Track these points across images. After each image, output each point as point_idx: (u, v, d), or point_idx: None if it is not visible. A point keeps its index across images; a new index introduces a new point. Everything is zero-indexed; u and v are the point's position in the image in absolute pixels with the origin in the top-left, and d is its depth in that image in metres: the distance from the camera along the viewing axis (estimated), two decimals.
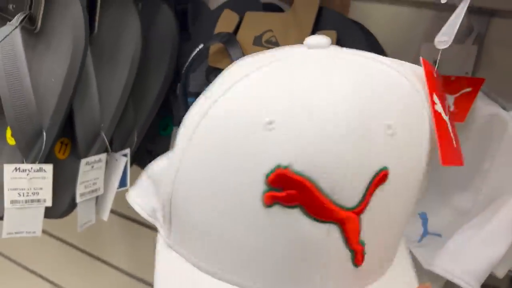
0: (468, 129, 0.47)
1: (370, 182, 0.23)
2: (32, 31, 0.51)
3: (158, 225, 0.30)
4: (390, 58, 0.29)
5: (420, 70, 0.28)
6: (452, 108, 0.46)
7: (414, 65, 0.29)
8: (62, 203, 0.58)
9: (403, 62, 0.29)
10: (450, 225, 0.48)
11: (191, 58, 0.55)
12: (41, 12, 0.50)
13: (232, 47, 0.52)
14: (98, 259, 0.90)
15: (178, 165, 0.26)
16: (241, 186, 0.23)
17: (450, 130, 0.29)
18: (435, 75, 0.29)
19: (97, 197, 0.61)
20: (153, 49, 0.61)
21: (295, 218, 0.23)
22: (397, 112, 0.24)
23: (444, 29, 0.30)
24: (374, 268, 0.26)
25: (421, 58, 0.29)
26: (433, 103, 0.27)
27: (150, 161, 0.77)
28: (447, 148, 0.27)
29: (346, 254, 0.24)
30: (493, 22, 0.54)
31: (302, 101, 0.23)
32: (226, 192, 0.24)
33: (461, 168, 0.49)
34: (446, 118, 0.29)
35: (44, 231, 0.94)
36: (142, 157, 0.72)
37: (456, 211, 0.49)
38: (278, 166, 0.22)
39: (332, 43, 0.50)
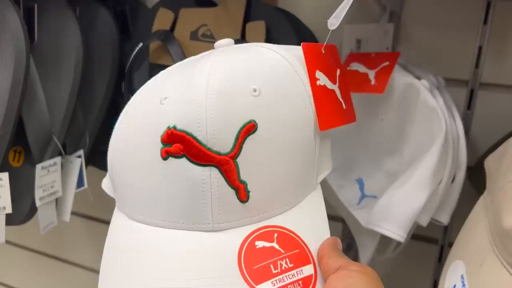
0: (390, 99, 0.53)
1: (239, 133, 0.30)
2: None
3: (114, 196, 0.38)
4: (283, 46, 0.35)
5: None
6: (373, 82, 0.51)
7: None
8: (22, 209, 0.59)
9: (294, 47, 0.35)
10: (383, 187, 0.53)
11: (132, 57, 0.58)
12: None
13: (170, 44, 0.56)
14: (65, 261, 0.92)
15: (112, 142, 0.36)
16: (148, 147, 0.32)
17: (340, 97, 0.35)
18: (320, 55, 0.34)
19: (56, 200, 0.63)
20: (95, 52, 0.63)
21: (183, 164, 0.31)
22: (265, 78, 0.32)
23: (335, 13, 0.34)
24: (264, 205, 0.32)
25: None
26: (315, 79, 0.32)
27: (105, 161, 0.79)
28: (328, 115, 0.33)
29: (230, 191, 0.31)
30: (407, 0, 0.60)
31: (187, 80, 0.32)
32: (139, 154, 0.33)
33: (389, 135, 0.54)
34: (334, 87, 0.34)
35: (7, 242, 0.95)
36: (98, 158, 0.75)
37: (387, 174, 0.55)
38: (168, 128, 0.31)
39: (261, 33, 0.54)
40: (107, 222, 0.86)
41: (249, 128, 0.31)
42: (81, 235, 0.88)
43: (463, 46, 0.58)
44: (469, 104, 0.60)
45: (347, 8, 0.34)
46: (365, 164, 0.56)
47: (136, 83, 0.61)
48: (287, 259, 0.30)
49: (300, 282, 0.29)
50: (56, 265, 0.92)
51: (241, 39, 0.54)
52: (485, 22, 0.56)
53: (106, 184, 0.42)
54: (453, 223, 0.57)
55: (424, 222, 0.47)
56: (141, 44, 0.57)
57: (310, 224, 0.33)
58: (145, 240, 0.32)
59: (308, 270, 0.30)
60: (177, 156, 0.30)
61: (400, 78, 0.51)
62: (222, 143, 0.30)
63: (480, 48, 0.57)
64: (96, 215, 0.86)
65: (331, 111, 0.34)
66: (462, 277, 0.36)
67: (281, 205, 0.33)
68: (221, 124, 0.30)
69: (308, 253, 0.31)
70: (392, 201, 0.47)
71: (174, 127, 0.30)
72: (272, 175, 0.32)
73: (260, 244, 0.31)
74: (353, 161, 0.57)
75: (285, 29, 0.53)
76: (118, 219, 0.36)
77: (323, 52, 0.35)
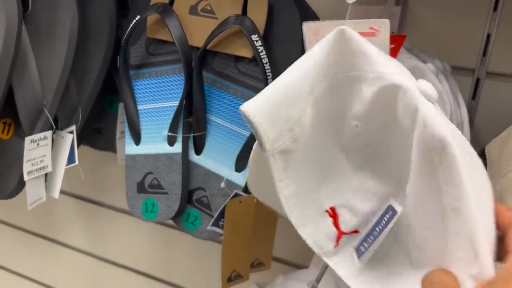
0: None
1: None
2: None
3: None
4: None
5: None
6: None
7: None
8: (10, 183, 0.58)
9: None
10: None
11: (128, 30, 0.56)
12: None
13: (168, 17, 0.54)
14: (53, 241, 0.90)
15: None
16: None
17: None
18: None
19: (46, 175, 0.61)
20: (91, 25, 0.61)
21: None
22: None
23: None
24: None
25: None
26: None
27: (99, 139, 0.77)
28: None
29: None
30: None
31: None
32: None
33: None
34: None
35: None
36: (91, 135, 0.73)
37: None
38: None
39: (263, 9, 0.52)
40: (97, 203, 0.85)
41: None
42: (70, 215, 0.87)
43: (470, 33, 0.56)
44: (474, 94, 0.58)
45: None
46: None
47: (132, 58, 0.59)
48: None
49: None
50: (43, 245, 0.91)
51: (242, 15, 0.52)
52: (495, 9, 0.54)
53: None
54: None
55: None
56: (138, 17, 0.55)
57: None
58: None
59: None
60: None
61: (405, 61, 0.49)
62: None
63: (488, 36, 0.55)
64: (86, 195, 0.85)
65: None
66: None
67: None
68: None
69: None
70: None
71: None
72: None
73: None
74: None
75: (288, 5, 0.51)
76: None
77: None
